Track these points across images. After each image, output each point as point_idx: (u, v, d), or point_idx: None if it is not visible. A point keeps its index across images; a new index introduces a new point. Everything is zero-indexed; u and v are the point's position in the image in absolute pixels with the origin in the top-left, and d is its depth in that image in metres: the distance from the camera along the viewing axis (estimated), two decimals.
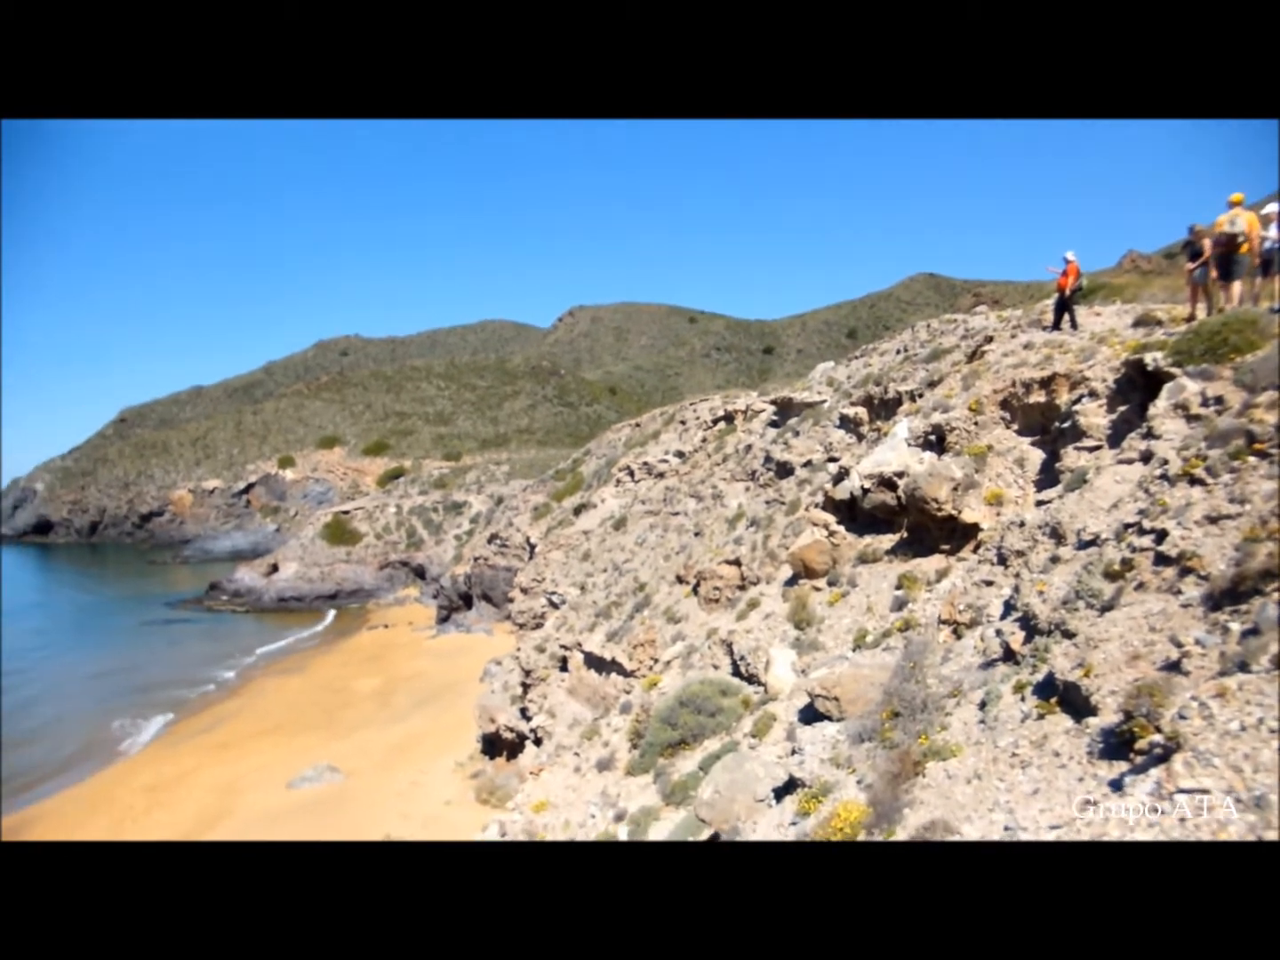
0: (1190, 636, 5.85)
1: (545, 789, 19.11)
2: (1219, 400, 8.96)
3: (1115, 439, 11.03)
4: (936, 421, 14.69)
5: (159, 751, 34.98)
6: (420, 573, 74.81)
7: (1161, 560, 7.09)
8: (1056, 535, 9.45)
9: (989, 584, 10.38)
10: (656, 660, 20.35)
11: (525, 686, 28.50)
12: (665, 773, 13.73)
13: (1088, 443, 11.45)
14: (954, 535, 12.91)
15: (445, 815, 25.14)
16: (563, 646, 27.38)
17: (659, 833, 11.81)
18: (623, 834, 12.42)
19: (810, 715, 10.93)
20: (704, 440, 38.69)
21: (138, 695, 43.34)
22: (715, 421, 39.60)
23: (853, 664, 10.87)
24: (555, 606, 36.45)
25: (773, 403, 32.86)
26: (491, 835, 18.53)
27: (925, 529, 13.47)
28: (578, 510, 46.97)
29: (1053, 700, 6.73)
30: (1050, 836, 5.24)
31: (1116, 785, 5.26)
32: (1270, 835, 3.97)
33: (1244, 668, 5.10)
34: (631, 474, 43.01)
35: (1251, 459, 7.17)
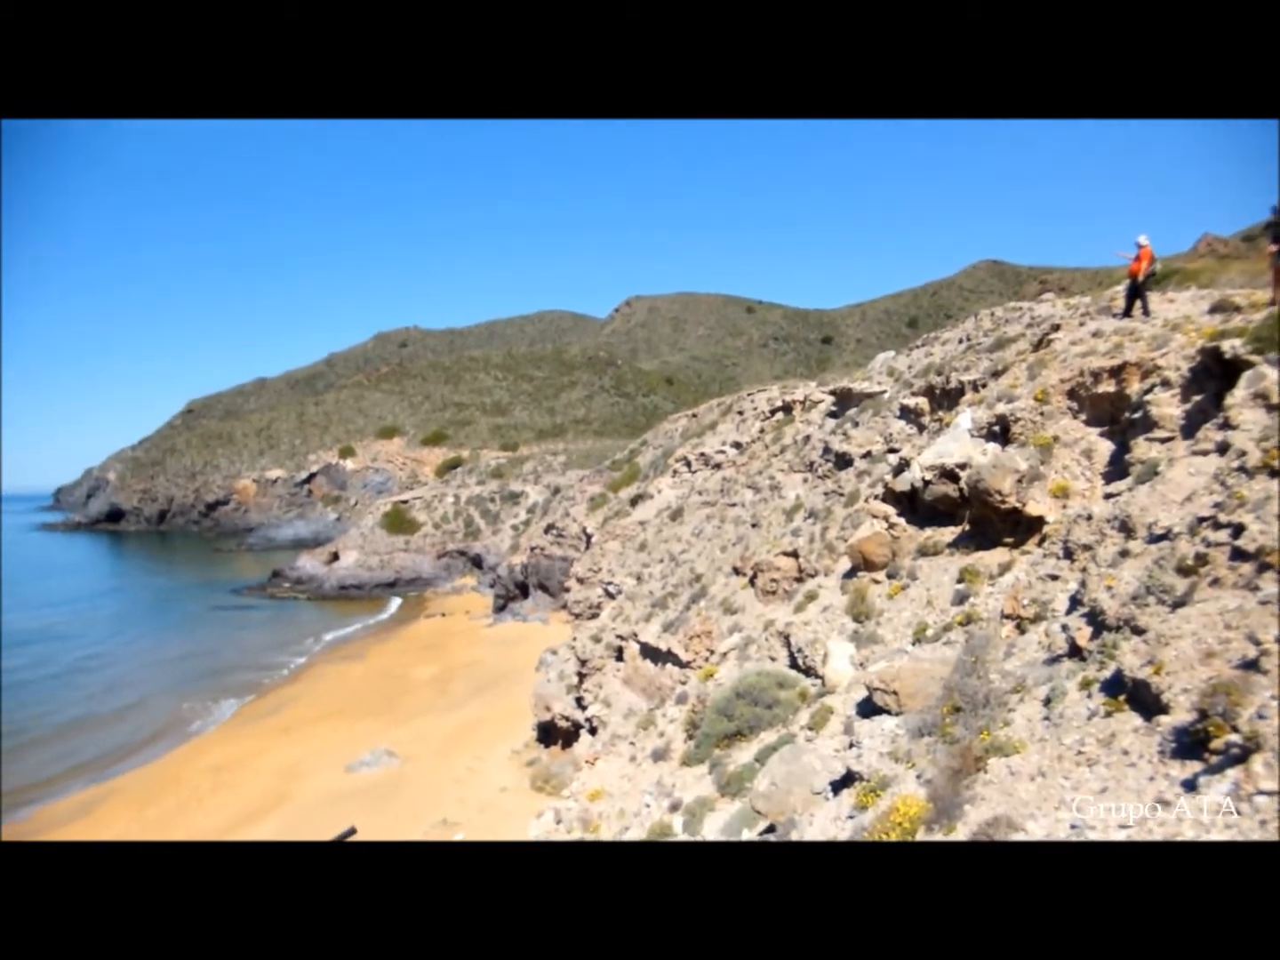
0: (1269, 634, 5.64)
1: (600, 778, 19.31)
2: None
3: (1189, 430, 10.64)
4: (1001, 412, 14.35)
5: (226, 734, 36.25)
6: (477, 562, 76.07)
7: (1238, 555, 6.84)
8: (1126, 529, 9.17)
9: (1054, 578, 10.13)
10: (713, 651, 20.34)
11: (581, 676, 28.73)
12: (721, 764, 13.73)
13: (1160, 434, 11.06)
14: (1018, 528, 12.62)
15: (500, 801, 25.45)
16: (618, 636, 27.52)
17: (714, 823, 11.85)
18: (678, 824, 12.50)
19: (868, 709, 10.84)
20: (761, 431, 38.39)
21: (211, 679, 45.24)
22: (773, 412, 39.26)
23: (912, 657, 10.75)
24: (611, 596, 36.71)
25: (831, 393, 32.40)
26: (546, 822, 18.80)
27: (988, 521, 13.20)
28: (634, 501, 47.19)
29: (1121, 698, 6.55)
30: (1120, 836, 5.12)
31: (1190, 785, 5.12)
32: None
33: None
34: (688, 465, 42.99)
35: None
